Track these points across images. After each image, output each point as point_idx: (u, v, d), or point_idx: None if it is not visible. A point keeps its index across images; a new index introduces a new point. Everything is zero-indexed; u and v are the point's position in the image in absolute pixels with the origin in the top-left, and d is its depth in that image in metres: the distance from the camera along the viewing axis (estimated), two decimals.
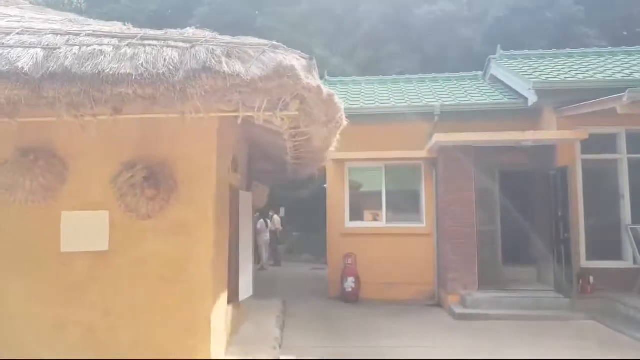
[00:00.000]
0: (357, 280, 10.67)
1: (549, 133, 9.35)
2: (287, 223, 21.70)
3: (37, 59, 3.75)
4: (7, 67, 3.64)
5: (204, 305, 4.97)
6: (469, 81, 12.92)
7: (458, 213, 9.77)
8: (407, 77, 13.75)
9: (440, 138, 9.47)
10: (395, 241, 10.94)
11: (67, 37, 4.09)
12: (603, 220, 9.45)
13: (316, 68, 4.40)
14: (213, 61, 3.85)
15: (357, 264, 10.82)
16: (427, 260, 10.81)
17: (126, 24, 5.27)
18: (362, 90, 12.58)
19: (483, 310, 8.92)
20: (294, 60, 4.06)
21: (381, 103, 11.30)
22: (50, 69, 3.68)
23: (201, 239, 4.99)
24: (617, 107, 7.22)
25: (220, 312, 5.49)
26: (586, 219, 9.43)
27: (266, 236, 16.65)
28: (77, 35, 4.12)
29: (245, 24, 21.03)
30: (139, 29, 4.61)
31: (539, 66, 10.94)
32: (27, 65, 3.66)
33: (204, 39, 4.17)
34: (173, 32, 4.37)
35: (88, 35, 4.15)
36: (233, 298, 6.73)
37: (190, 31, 4.42)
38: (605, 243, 9.36)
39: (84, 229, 4.93)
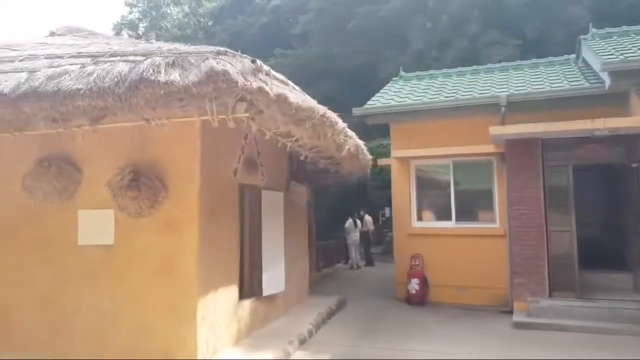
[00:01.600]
0: (423, 282, 10.32)
1: (624, 120, 8.05)
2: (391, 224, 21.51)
3: (19, 81, 4.47)
4: None
5: (190, 297, 5.36)
6: (558, 66, 11.61)
7: (523, 212, 8.94)
8: (488, 66, 12.81)
9: (496, 131, 8.75)
10: (465, 242, 10.35)
11: (53, 60, 4.78)
12: None
13: (264, 70, 4.51)
14: (151, 71, 4.20)
15: (425, 265, 10.47)
16: (500, 263, 10.00)
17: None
18: (434, 84, 12.05)
19: (546, 319, 8.05)
20: (229, 65, 4.21)
21: (446, 96, 10.73)
22: (22, 89, 4.37)
23: (187, 236, 5.40)
24: None
25: (218, 305, 5.83)
26: None
27: (355, 236, 16.78)
28: (61, 57, 4.78)
29: (341, 26, 21.48)
30: (156, 45, 5.13)
31: (632, 44, 9.45)
32: (7, 88, 4.39)
33: (159, 51, 4.55)
34: (142, 47, 4.83)
35: (71, 56, 4.79)
36: (256, 293, 7.06)
37: (156, 44, 4.83)
38: None
39: (96, 225, 5.65)
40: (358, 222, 16.97)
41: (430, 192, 11.01)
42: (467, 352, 6.74)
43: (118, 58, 4.58)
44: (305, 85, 23.27)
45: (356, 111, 10.92)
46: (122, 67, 4.38)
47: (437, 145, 10.43)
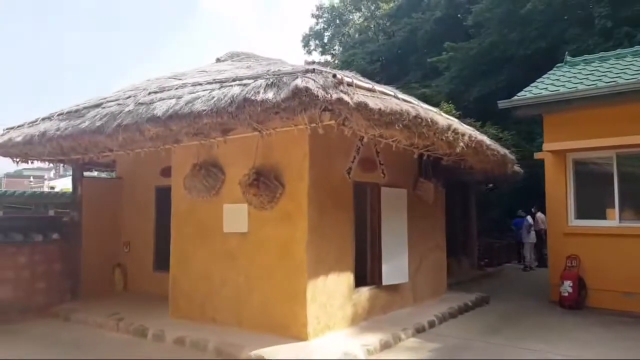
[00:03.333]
0: (579, 285, 9.58)
1: None
2: None
3: (168, 106, 5.91)
4: (150, 114, 5.95)
5: (301, 278, 6.29)
6: None
7: None
8: None
9: None
10: (632, 243, 9.30)
11: (195, 87, 6.14)
12: None
13: (345, 82, 5.13)
14: (252, 92, 5.19)
15: (582, 267, 9.72)
16: None
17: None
18: (600, 69, 10.80)
19: None
20: (312, 81, 4.94)
21: (606, 82, 9.63)
22: (169, 112, 5.78)
23: (299, 226, 6.35)
24: None
25: (329, 288, 6.63)
26: None
27: (532, 234, 15.99)
28: (201, 84, 6.13)
29: (515, 11, 20.29)
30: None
31: None
32: (160, 111, 5.86)
33: (266, 75, 5.51)
34: (257, 71, 5.90)
35: (207, 83, 6.10)
36: (376, 281, 7.68)
37: (267, 68, 5.84)
38: None
39: (235, 216, 6.98)
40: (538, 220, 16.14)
41: (590, 188, 10.08)
42: (588, 355, 6.30)
43: (236, 82, 5.69)
44: (480, 75, 22.53)
45: (502, 104, 10.57)
46: (235, 90, 5.48)
47: (598, 136, 9.51)
